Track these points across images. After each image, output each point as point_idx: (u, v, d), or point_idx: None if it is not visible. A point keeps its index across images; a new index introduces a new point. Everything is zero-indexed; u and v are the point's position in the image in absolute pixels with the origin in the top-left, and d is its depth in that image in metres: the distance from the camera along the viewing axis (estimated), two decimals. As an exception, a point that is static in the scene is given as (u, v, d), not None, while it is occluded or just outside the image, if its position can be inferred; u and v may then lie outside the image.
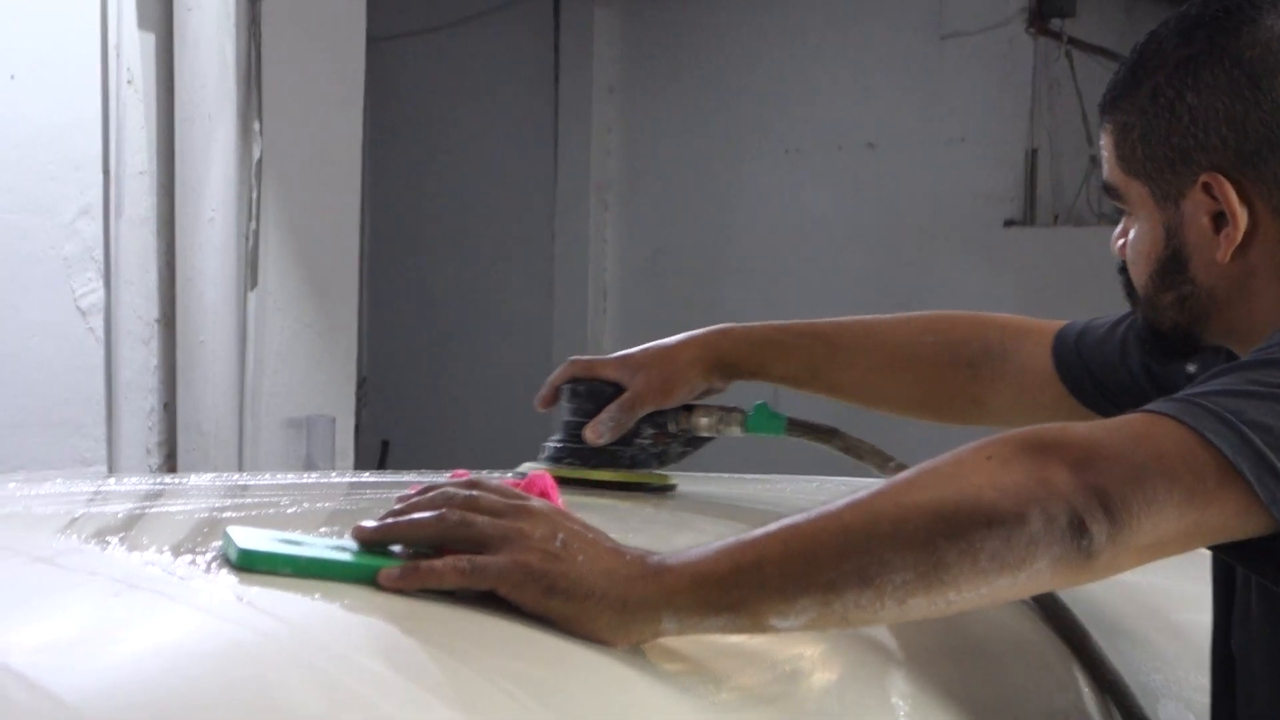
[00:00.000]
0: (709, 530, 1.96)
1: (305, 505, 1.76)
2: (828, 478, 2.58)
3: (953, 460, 1.45)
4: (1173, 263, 1.78)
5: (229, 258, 4.93)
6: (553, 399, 2.26)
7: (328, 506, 1.77)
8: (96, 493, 1.81)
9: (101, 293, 4.82)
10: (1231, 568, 1.78)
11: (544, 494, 1.51)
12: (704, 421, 2.22)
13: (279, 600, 1.30)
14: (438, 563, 1.39)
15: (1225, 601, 1.83)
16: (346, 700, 1.17)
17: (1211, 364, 1.81)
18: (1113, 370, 2.08)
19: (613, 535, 1.43)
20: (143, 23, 4.90)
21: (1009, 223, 7.07)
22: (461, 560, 1.38)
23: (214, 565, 1.37)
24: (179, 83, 4.92)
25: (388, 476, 2.31)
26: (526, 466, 2.18)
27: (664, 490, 2.22)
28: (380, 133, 8.20)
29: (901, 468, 1.89)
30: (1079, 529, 1.41)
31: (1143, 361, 2.01)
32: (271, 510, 1.69)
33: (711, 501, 2.29)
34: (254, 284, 5.00)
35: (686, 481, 2.27)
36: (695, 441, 2.25)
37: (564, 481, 2.04)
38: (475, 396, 8.25)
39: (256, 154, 5.00)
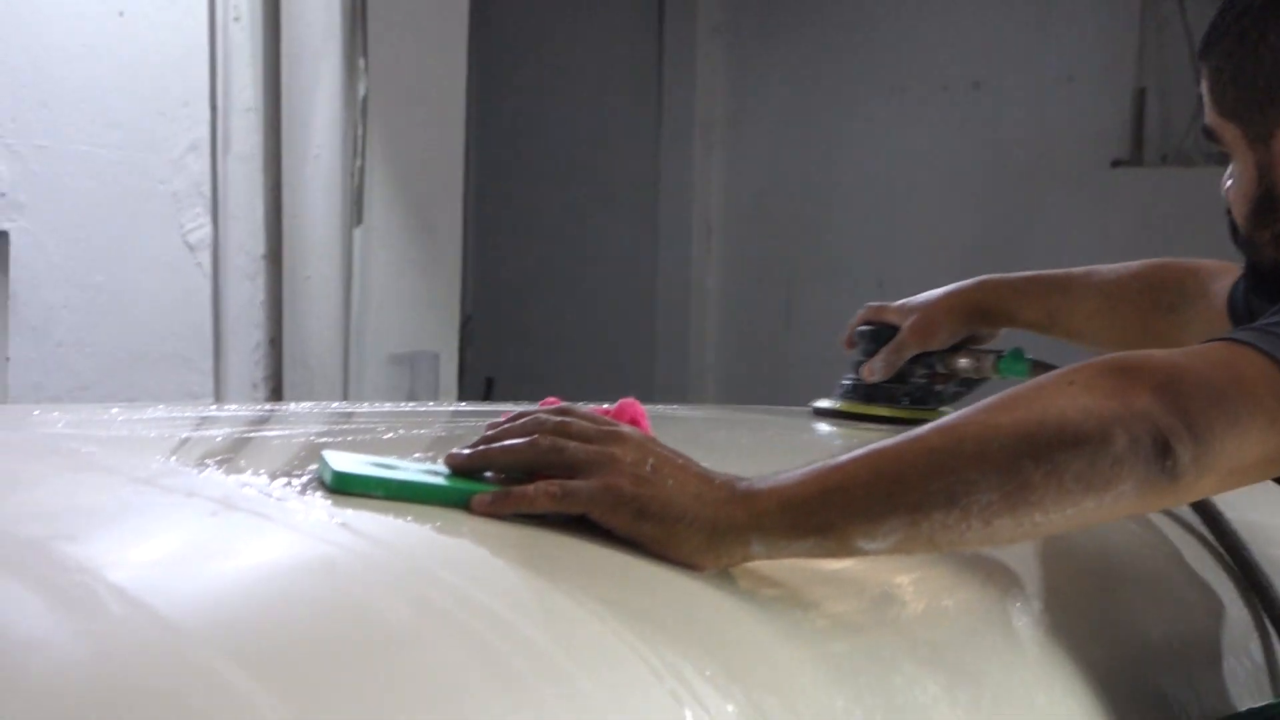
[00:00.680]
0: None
1: (401, 432, 1.78)
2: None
3: (1036, 385, 1.47)
4: (1266, 201, 1.82)
5: (334, 194, 4.97)
6: (852, 341, 2.49)
7: (424, 434, 1.79)
8: (198, 418, 1.84)
9: (209, 228, 4.88)
10: None
11: (634, 421, 1.53)
12: (963, 363, 2.44)
13: (372, 521, 1.32)
14: (529, 488, 1.41)
15: None
16: (434, 616, 1.19)
17: None
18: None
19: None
20: (250, -40, 4.94)
21: (1116, 163, 7.01)
22: (553, 485, 1.40)
23: (309, 488, 1.39)
24: (285, 20, 4.96)
25: (483, 406, 2.34)
26: (823, 402, 2.47)
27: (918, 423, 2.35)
28: (487, 72, 8.21)
29: None
30: (1164, 450, 1.42)
31: None
32: (368, 437, 1.71)
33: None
34: (359, 220, 5.04)
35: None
36: (969, 383, 2.46)
37: (848, 416, 2.42)
38: (579, 335, 8.27)
39: (362, 91, 5.04)
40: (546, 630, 1.23)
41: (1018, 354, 2.39)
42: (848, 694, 1.36)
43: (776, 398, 5.02)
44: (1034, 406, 1.43)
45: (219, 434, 1.73)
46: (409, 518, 1.34)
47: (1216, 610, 1.82)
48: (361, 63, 5.04)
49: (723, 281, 7.99)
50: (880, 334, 2.43)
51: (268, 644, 1.12)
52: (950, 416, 1.46)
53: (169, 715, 1.03)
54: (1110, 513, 1.45)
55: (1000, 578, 1.61)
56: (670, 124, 8.04)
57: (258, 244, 4.96)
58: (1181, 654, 1.69)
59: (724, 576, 1.41)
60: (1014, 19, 7.26)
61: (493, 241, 8.51)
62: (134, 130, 4.75)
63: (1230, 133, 1.84)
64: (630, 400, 1.59)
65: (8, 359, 4.54)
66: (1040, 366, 2.30)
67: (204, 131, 4.87)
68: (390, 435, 1.71)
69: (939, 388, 2.45)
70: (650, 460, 1.42)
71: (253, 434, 1.73)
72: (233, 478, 1.41)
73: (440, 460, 1.47)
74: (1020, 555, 1.64)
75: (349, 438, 1.70)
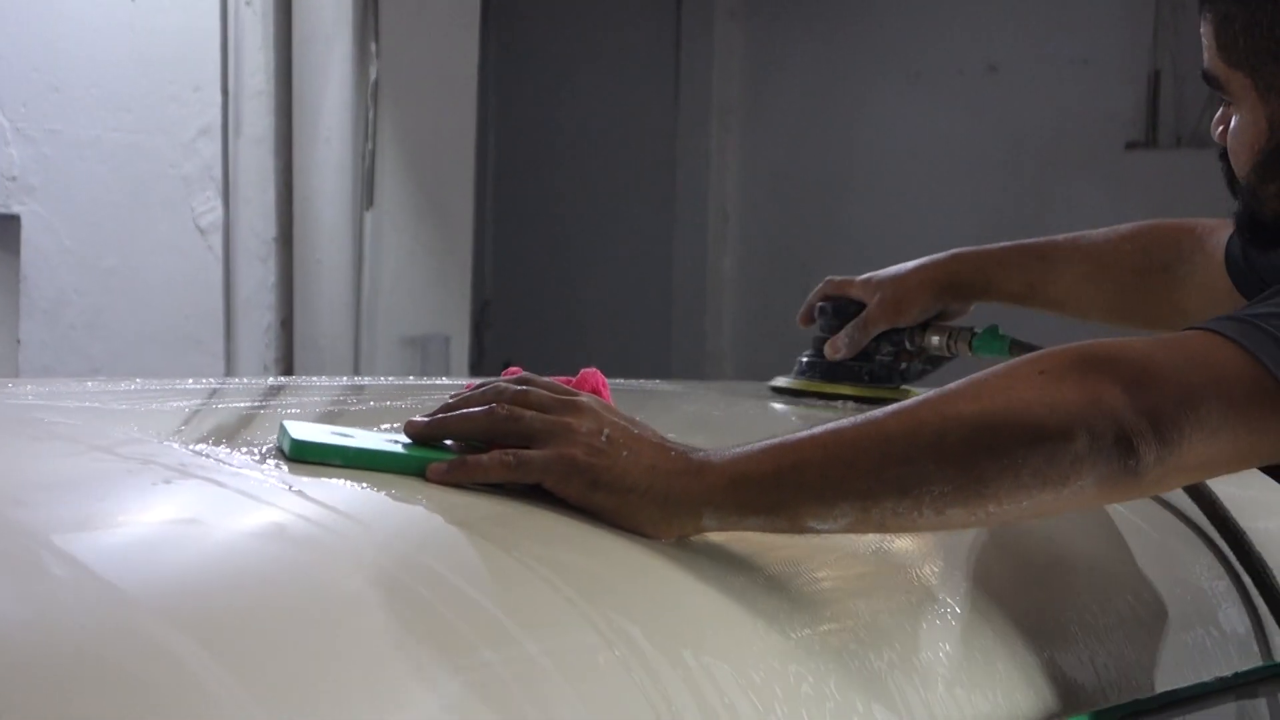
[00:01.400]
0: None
1: (372, 404, 1.79)
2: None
3: (1005, 372, 1.45)
4: (1276, 154, 1.78)
5: (345, 177, 4.99)
6: (810, 317, 2.39)
7: (394, 405, 1.80)
8: (172, 390, 1.85)
9: (220, 211, 4.91)
10: None
11: (595, 390, 1.54)
12: (935, 340, 2.34)
13: (325, 488, 1.34)
14: (484, 456, 1.42)
15: None
16: (379, 581, 1.21)
17: None
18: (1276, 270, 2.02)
19: None
20: (261, -56, 4.96)
21: (1131, 145, 6.99)
22: (508, 454, 1.41)
23: (268, 456, 1.41)
24: (297, 4, 4.98)
25: (446, 380, 2.34)
26: (780, 380, 2.39)
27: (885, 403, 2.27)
28: (506, 57, 8.23)
29: None
30: (1127, 449, 1.41)
31: None
32: (335, 408, 1.73)
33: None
34: (370, 203, 5.07)
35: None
36: (935, 360, 2.37)
37: (806, 394, 2.34)
38: (597, 318, 8.28)
39: (373, 75, 5.06)
40: (493, 595, 1.24)
41: (994, 331, 2.31)
42: (801, 660, 1.37)
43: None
44: (997, 398, 1.42)
45: (188, 405, 1.75)
46: (364, 485, 1.36)
47: (1177, 582, 1.82)
48: (373, 46, 5.07)
49: (739, 266, 7.99)
50: (844, 309, 2.34)
51: (210, 608, 1.13)
52: (911, 401, 1.45)
53: (109, 679, 1.04)
54: (1069, 505, 1.45)
55: (954, 553, 1.62)
56: (687, 109, 8.04)
57: (269, 227, 4.99)
58: (1127, 627, 1.69)
59: (680, 545, 1.42)
60: (1029, 2, 7.26)
61: (512, 226, 8.52)
62: (145, 114, 4.77)
63: (1238, 82, 1.78)
64: (592, 370, 1.60)
65: (19, 342, 4.57)
66: (1020, 346, 2.25)
67: (215, 115, 4.90)
68: (360, 407, 1.72)
69: (904, 366, 2.36)
70: (606, 430, 1.43)
71: (222, 405, 1.75)
72: (192, 446, 1.42)
73: (401, 430, 1.48)
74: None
75: (319, 409, 1.72)
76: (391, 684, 1.12)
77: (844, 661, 1.40)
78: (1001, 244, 2.39)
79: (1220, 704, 1.74)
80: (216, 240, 4.89)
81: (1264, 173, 1.79)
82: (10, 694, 0.99)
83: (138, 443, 1.43)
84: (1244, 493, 2.00)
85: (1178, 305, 2.25)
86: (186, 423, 1.60)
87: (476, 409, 1.46)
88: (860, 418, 1.44)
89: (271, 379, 2.14)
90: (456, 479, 1.41)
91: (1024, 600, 1.62)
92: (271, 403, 1.82)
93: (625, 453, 1.42)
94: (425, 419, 1.47)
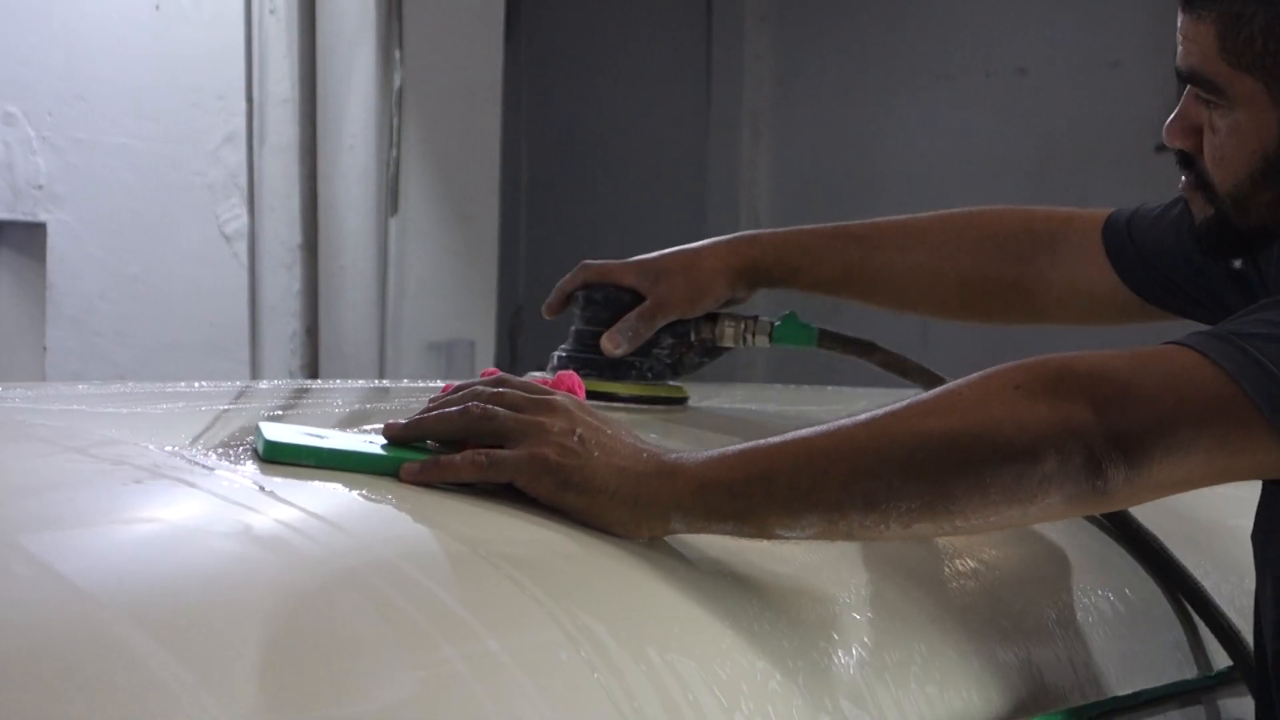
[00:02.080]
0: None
1: (358, 406, 1.81)
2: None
3: (980, 384, 1.45)
4: None
5: (369, 184, 5.02)
6: (562, 305, 2.15)
7: (384, 407, 1.82)
8: (165, 393, 1.87)
9: (245, 219, 4.93)
10: None
11: (571, 390, 1.55)
12: (729, 332, 2.11)
13: (297, 488, 1.36)
14: (457, 456, 1.43)
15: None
16: (341, 578, 1.22)
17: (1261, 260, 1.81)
18: (1168, 255, 1.99)
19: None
20: (285, -47, 4.99)
21: (1160, 148, 6.96)
22: (480, 454, 1.43)
23: (243, 457, 1.42)
24: (320, 11, 5.01)
25: (435, 382, 2.32)
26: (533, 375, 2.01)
27: (678, 403, 2.13)
28: (537, 65, 8.25)
29: None
30: (1095, 471, 1.41)
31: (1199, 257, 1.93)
32: (319, 411, 1.74)
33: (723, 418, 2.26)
34: (395, 210, 5.09)
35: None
36: (713, 351, 2.13)
37: None
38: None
39: (397, 82, 5.08)
40: (456, 592, 1.25)
41: (794, 319, 2.10)
42: (769, 657, 1.38)
43: (827, 382, 5.02)
44: (969, 415, 1.42)
45: (177, 407, 1.77)
46: (335, 485, 1.37)
47: (1125, 593, 1.82)
48: (397, 54, 5.09)
49: (771, 270, 7.99)
50: (616, 299, 2.08)
51: (172, 607, 1.14)
52: (884, 412, 1.44)
53: (68, 677, 1.05)
54: (1037, 519, 1.46)
55: (926, 552, 1.63)
56: (718, 113, 8.05)
57: (294, 234, 5.01)
58: (1076, 635, 1.69)
59: (650, 544, 1.43)
60: (1059, 5, 7.25)
61: (544, 233, 8.53)
62: (170, 122, 4.81)
63: (1244, 86, 1.67)
64: (568, 371, 1.62)
65: (45, 349, 4.61)
66: (829, 336, 2.12)
67: (240, 123, 4.93)
68: (344, 410, 1.74)
69: (677, 358, 2.11)
70: (579, 430, 1.44)
71: (210, 408, 1.77)
72: (168, 447, 1.44)
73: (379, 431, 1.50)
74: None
75: (301, 410, 1.73)
76: (351, 679, 1.13)
77: (813, 659, 1.41)
78: (807, 226, 2.21)
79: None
80: (242, 248, 4.92)
81: (1263, 179, 1.70)
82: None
83: (112, 444, 1.45)
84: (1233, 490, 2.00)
85: (1029, 295, 2.12)
86: (171, 424, 1.62)
87: (452, 409, 1.48)
88: (831, 427, 1.44)
89: (263, 383, 2.16)
90: (429, 479, 1.42)
91: (998, 599, 1.63)
92: (255, 405, 1.84)
93: (597, 453, 1.43)
94: (403, 421, 1.49)
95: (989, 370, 1.46)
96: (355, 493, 1.37)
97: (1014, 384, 1.43)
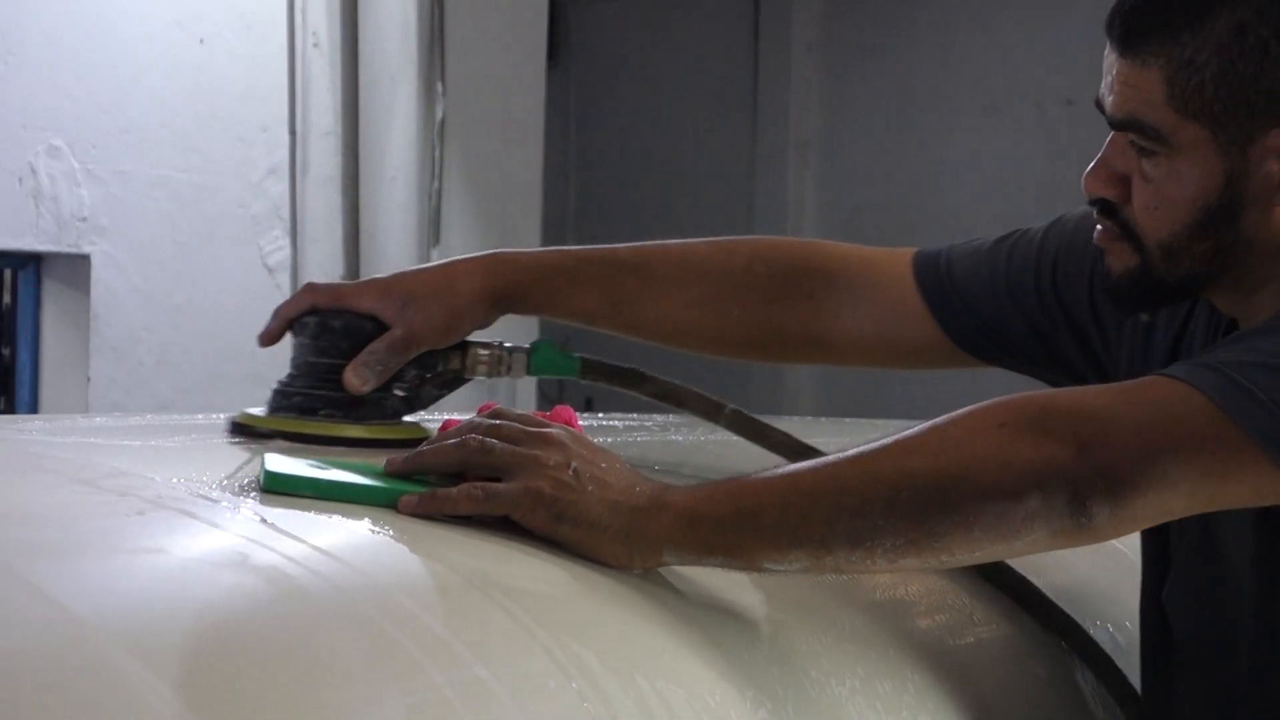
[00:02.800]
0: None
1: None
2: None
3: (964, 421, 1.45)
4: (1224, 212, 1.63)
5: (411, 216, 5.06)
6: (283, 332, 1.89)
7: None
8: (174, 425, 1.90)
9: (288, 250, 4.98)
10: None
11: (568, 423, 1.58)
12: (484, 363, 1.90)
13: (296, 520, 1.37)
14: (453, 490, 1.45)
15: (1158, 555, 1.79)
16: (335, 608, 1.24)
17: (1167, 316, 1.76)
18: (998, 308, 1.89)
19: None
20: (328, -13, 5.04)
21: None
22: (476, 487, 1.45)
23: (246, 489, 1.45)
24: (363, 45, 5.05)
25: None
26: (241, 415, 1.85)
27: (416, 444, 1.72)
28: (584, 97, 8.30)
29: (737, 414, 1.85)
30: (1079, 508, 1.41)
31: (1039, 305, 1.86)
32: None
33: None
34: (437, 241, 5.13)
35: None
36: (454, 383, 1.91)
37: (291, 436, 1.78)
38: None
39: (439, 114, 5.12)
40: (449, 622, 1.27)
41: (550, 347, 1.93)
42: (759, 685, 1.39)
43: (871, 413, 5.03)
44: (953, 454, 1.43)
45: (191, 440, 1.79)
46: (333, 516, 1.40)
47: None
48: (439, 86, 5.13)
49: (817, 300, 8.00)
50: (356, 327, 1.82)
51: (166, 636, 1.16)
52: (871, 450, 1.45)
53: (61, 703, 1.07)
54: (1022, 553, 1.47)
55: (919, 581, 1.64)
56: (765, 143, 8.08)
57: (336, 265, 5.05)
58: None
59: (643, 577, 1.45)
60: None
61: (592, 263, 8.55)
62: (214, 155, 4.86)
63: (1189, 133, 1.61)
64: (564, 406, 1.64)
65: (89, 379, 4.66)
66: (591, 365, 1.95)
67: (283, 155, 4.97)
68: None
69: (415, 392, 1.87)
70: (574, 464, 1.46)
71: (216, 440, 1.79)
72: (175, 479, 1.46)
73: (380, 464, 1.53)
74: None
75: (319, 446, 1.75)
76: (339, 705, 1.16)
77: (803, 688, 1.43)
78: (566, 249, 2.01)
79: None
80: (284, 279, 4.97)
81: (1200, 230, 1.63)
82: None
83: (119, 476, 1.48)
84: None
85: (817, 337, 1.97)
86: (182, 456, 1.64)
87: (449, 443, 1.50)
88: (819, 463, 1.46)
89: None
90: (426, 511, 1.45)
91: (993, 627, 1.64)
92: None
93: (591, 487, 1.45)
94: (403, 456, 1.52)
95: (973, 407, 1.47)
96: (353, 524, 1.39)
97: (998, 422, 1.44)
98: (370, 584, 1.29)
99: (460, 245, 5.19)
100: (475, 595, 1.33)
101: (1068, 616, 1.77)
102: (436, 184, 5.12)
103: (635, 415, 2.73)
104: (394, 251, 5.02)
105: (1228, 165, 1.62)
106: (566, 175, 8.22)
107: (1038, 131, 7.43)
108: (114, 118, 4.69)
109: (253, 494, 1.44)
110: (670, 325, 1.99)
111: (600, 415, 2.34)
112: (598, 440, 1.52)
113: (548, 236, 5.89)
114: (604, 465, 1.47)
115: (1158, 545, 1.77)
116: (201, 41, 4.83)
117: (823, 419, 2.50)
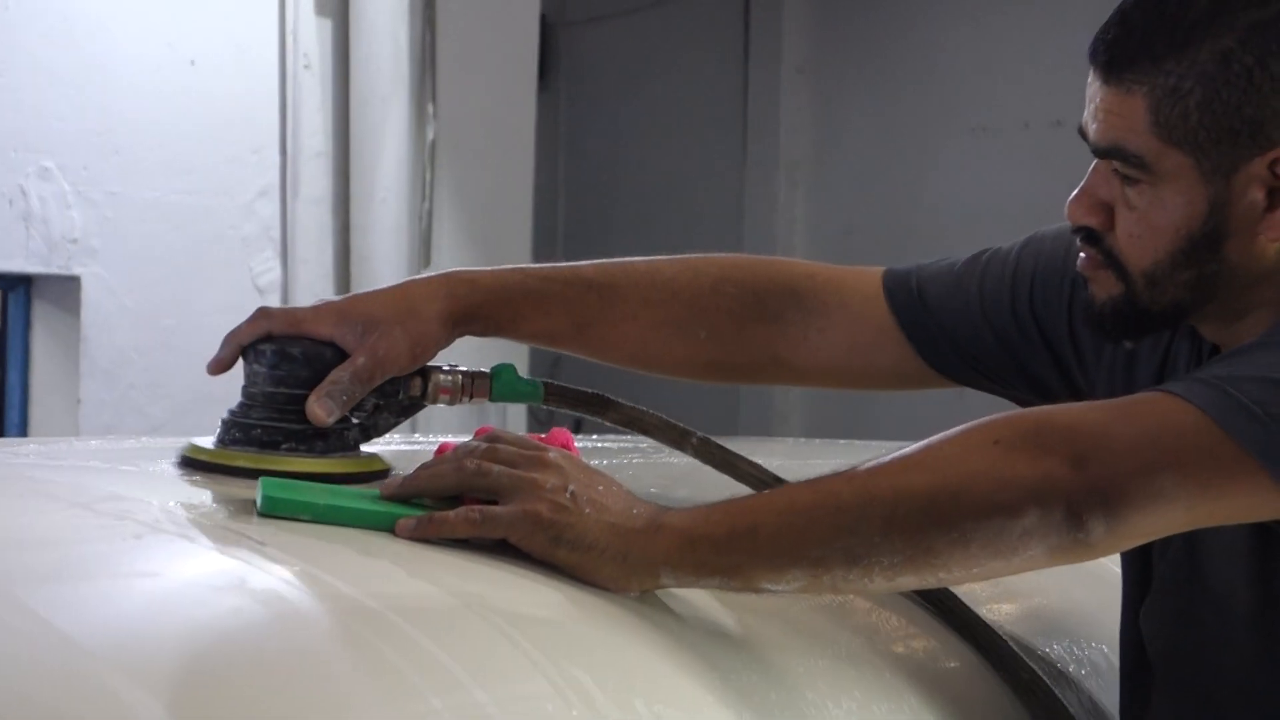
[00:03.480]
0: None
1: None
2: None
3: (960, 439, 1.46)
4: (1207, 240, 1.62)
5: (402, 237, 5.06)
6: (234, 360, 1.82)
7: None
8: (172, 448, 1.89)
9: (279, 271, 4.98)
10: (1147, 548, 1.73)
11: (565, 446, 1.58)
12: (446, 391, 1.80)
13: (293, 542, 1.38)
14: (451, 513, 1.46)
15: (1139, 576, 1.79)
16: (332, 631, 1.24)
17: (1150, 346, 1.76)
18: (972, 330, 1.87)
19: None
20: (320, 8, 5.05)
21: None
22: (473, 510, 1.45)
23: (244, 512, 1.45)
24: (354, 66, 5.06)
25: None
26: (190, 448, 1.77)
27: (381, 477, 1.69)
28: (574, 117, 8.30)
29: (705, 442, 1.81)
30: (1076, 524, 1.42)
31: (1015, 326, 1.84)
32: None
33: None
34: (428, 262, 5.13)
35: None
36: (411, 409, 1.82)
37: (243, 472, 1.65)
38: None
39: (430, 135, 5.13)
40: (446, 645, 1.27)
41: (513, 373, 1.83)
42: (756, 709, 1.39)
43: (861, 434, 5.03)
44: (949, 471, 1.43)
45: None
46: (332, 540, 1.40)
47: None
48: (430, 107, 5.13)
49: (807, 320, 8.00)
50: (317, 355, 1.72)
51: (163, 660, 1.16)
52: (867, 468, 1.45)
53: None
54: (1019, 570, 1.46)
55: (918, 604, 1.64)
56: (755, 164, 8.08)
57: (327, 286, 5.05)
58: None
59: (640, 599, 1.45)
60: (1094, 55, 7.26)
61: (581, 283, 8.55)
62: (204, 176, 4.86)
63: (1173, 161, 1.60)
64: (561, 429, 1.64)
65: (79, 401, 4.65)
66: (555, 391, 1.85)
67: (274, 176, 4.98)
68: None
69: (371, 421, 1.78)
70: (571, 487, 1.46)
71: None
72: (171, 502, 1.46)
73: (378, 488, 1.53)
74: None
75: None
76: (337, 731, 1.16)
77: (801, 710, 1.43)
78: (527, 267, 1.93)
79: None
80: (275, 300, 4.96)
81: (1184, 258, 1.63)
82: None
83: (118, 499, 1.48)
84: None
85: (781, 358, 1.93)
86: (179, 480, 1.64)
87: (446, 466, 1.50)
88: (815, 481, 1.47)
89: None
90: (424, 535, 1.45)
91: (989, 654, 1.64)
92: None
93: (588, 510, 1.45)
94: (400, 480, 1.52)
95: (969, 424, 1.47)
96: (348, 547, 1.40)
97: (994, 439, 1.44)
98: (368, 608, 1.29)
99: (451, 265, 5.14)
100: (473, 619, 1.33)
101: (1009, 648, 1.73)
102: (427, 205, 5.13)
103: (630, 437, 2.70)
104: (385, 272, 5.02)
105: (1211, 193, 1.61)
106: (557, 196, 8.23)
107: (1026, 152, 7.44)
108: (105, 139, 4.69)
109: (250, 517, 1.44)
110: (635, 347, 1.94)
111: (595, 437, 2.33)
112: (593, 463, 1.52)
113: (538, 257, 5.88)
114: (601, 488, 1.48)
115: (1140, 566, 1.77)
116: (192, 63, 4.83)
117: (815, 440, 2.48)
